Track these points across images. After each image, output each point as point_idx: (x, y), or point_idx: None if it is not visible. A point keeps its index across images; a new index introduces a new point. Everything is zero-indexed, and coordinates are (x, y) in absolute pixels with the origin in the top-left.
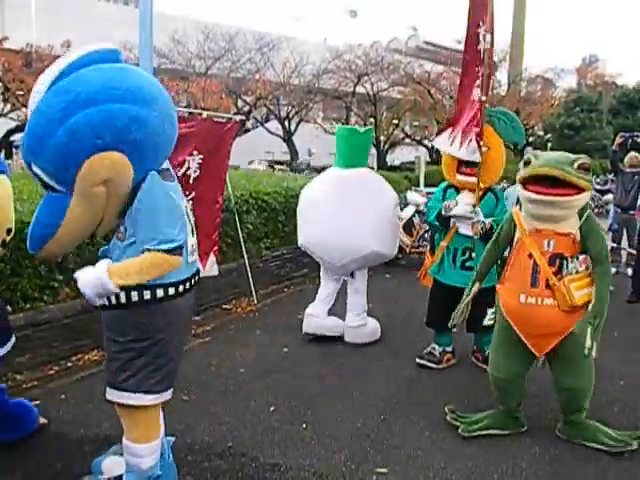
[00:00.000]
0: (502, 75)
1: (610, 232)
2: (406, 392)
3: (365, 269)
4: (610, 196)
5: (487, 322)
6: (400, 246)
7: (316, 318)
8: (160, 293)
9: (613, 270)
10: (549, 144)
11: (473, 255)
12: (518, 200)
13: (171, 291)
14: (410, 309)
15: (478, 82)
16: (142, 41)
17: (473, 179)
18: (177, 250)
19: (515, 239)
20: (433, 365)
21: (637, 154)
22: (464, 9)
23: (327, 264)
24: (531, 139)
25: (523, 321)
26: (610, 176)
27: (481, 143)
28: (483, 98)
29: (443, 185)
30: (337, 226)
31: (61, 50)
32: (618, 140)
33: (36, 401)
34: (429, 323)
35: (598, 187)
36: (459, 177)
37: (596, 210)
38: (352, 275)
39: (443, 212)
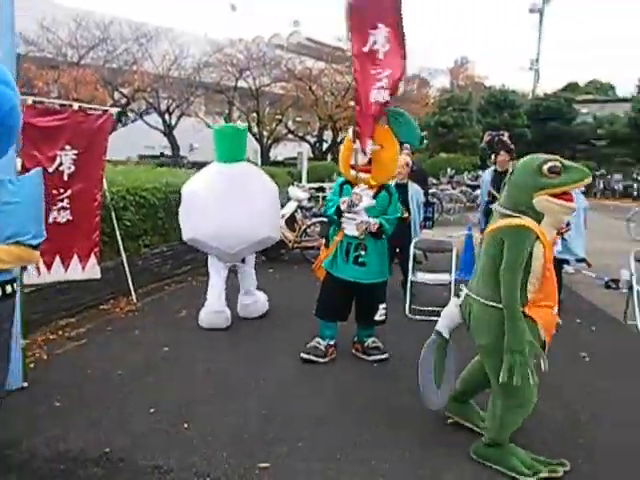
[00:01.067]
0: None
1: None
2: (287, 387)
3: (254, 253)
4: (479, 191)
5: (378, 317)
6: (283, 241)
7: (224, 313)
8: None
9: None
10: (425, 141)
11: (363, 252)
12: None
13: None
14: (292, 303)
15: (380, 84)
16: (1, 25)
17: (367, 175)
18: (39, 247)
19: (537, 255)
20: (319, 359)
21: (506, 158)
22: (342, 7)
23: (221, 254)
24: None
25: (551, 332)
26: (480, 172)
27: (370, 142)
28: (387, 98)
29: (340, 180)
30: (231, 216)
31: None
32: (486, 138)
33: None
34: (318, 314)
35: (469, 182)
36: (352, 173)
37: (468, 204)
38: (243, 261)
39: (343, 207)
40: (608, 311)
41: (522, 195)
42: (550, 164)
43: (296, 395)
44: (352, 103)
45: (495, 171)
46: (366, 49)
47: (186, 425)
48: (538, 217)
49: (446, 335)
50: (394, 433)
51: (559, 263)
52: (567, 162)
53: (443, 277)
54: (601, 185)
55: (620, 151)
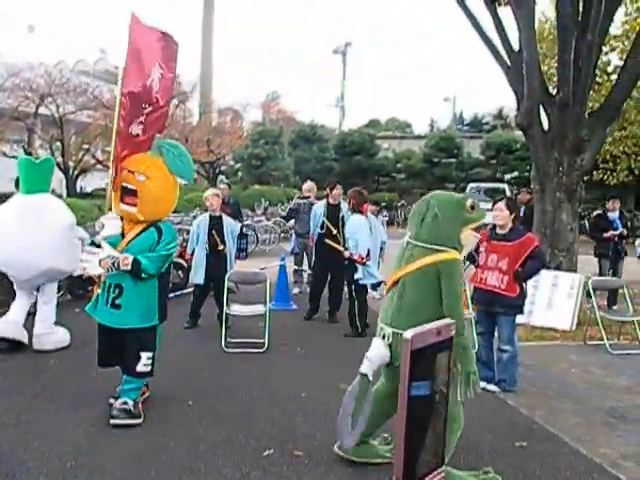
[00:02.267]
0: (194, 106)
1: (293, 255)
2: (95, 434)
3: (54, 283)
4: (292, 222)
5: (141, 368)
6: (90, 277)
7: (16, 324)
8: None
9: (296, 290)
10: (239, 173)
11: (118, 293)
12: None
13: None
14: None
15: (142, 119)
16: None
17: (133, 209)
18: None
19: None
20: (135, 421)
21: (312, 183)
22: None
23: (16, 280)
24: (223, 168)
25: None
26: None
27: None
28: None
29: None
30: (18, 246)
31: None
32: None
33: None
34: (100, 364)
35: (283, 214)
36: (122, 206)
37: (282, 234)
38: (38, 289)
39: (96, 239)
40: None
41: (451, 230)
42: (470, 201)
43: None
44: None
45: (329, 204)
46: (147, 83)
47: None
48: (460, 249)
49: (371, 378)
50: None
51: (363, 288)
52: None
53: (258, 308)
54: (402, 215)
55: (417, 183)
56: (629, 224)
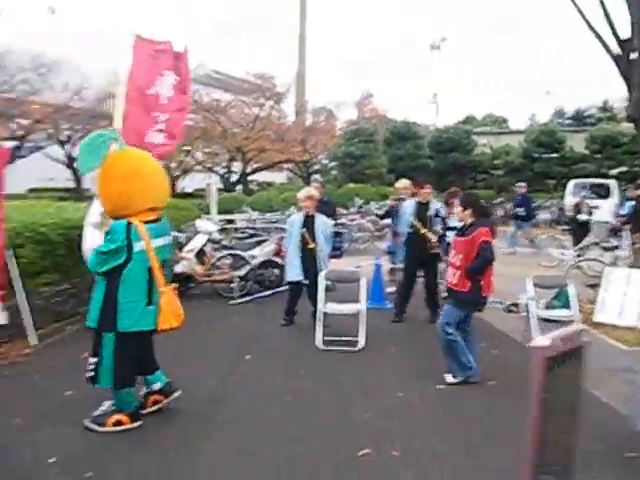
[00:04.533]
0: (289, 106)
1: (388, 254)
2: (197, 426)
3: None
4: (387, 220)
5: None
6: (191, 275)
7: None
8: None
9: (392, 289)
10: (333, 172)
11: None
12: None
13: None
14: (201, 338)
15: (158, 127)
16: None
17: None
18: None
19: None
20: (134, 425)
21: (406, 180)
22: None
23: None
24: (317, 167)
25: None
26: (388, 202)
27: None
28: (164, 141)
29: (122, 225)
30: None
31: None
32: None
33: None
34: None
35: (377, 212)
36: None
37: (376, 233)
38: None
39: None
40: (511, 335)
41: None
42: None
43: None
44: (260, 134)
45: (418, 202)
46: (149, 91)
47: (90, 473)
48: None
49: None
50: None
51: None
52: None
53: (353, 307)
54: (501, 212)
55: (515, 180)
56: None
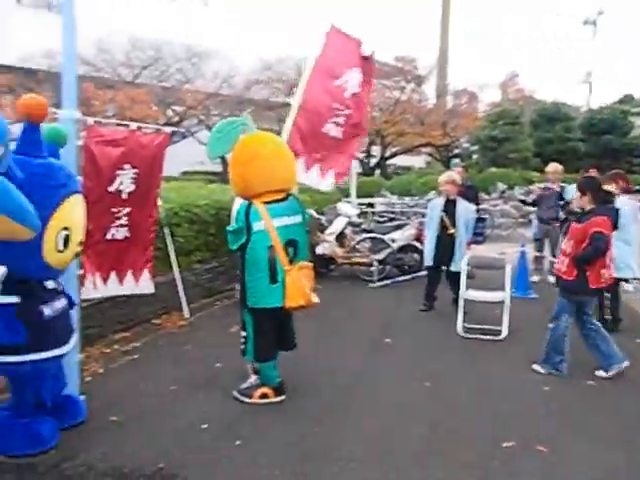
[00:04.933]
0: (430, 89)
1: (534, 241)
2: (340, 405)
3: None
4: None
5: None
6: (332, 257)
7: None
8: None
9: (536, 278)
10: (474, 156)
11: None
12: None
13: None
14: (341, 319)
15: (337, 120)
16: (65, 49)
17: None
18: None
19: None
20: (278, 398)
21: (557, 165)
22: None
23: None
24: (457, 151)
25: None
26: (532, 187)
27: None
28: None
29: (243, 206)
30: None
31: None
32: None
33: None
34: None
35: (521, 197)
36: None
37: (520, 219)
38: None
39: None
40: None
41: None
42: None
43: (351, 412)
44: (400, 118)
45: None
46: (337, 82)
47: (238, 442)
48: None
49: None
50: None
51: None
52: None
53: (496, 295)
54: None
55: None
56: None
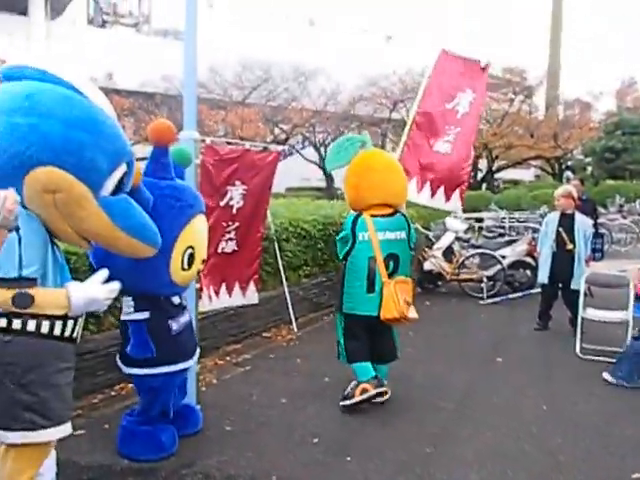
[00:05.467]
0: (540, 100)
1: None
2: (452, 424)
3: None
4: None
5: None
6: (440, 273)
7: None
8: None
9: None
10: (589, 168)
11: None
12: None
13: None
14: (450, 336)
15: (447, 138)
16: (186, 74)
17: None
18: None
19: None
20: (380, 390)
21: None
22: (504, 35)
23: None
24: (570, 163)
25: None
26: None
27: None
28: (449, 152)
29: (352, 216)
30: None
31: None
32: None
33: (80, 430)
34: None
35: None
36: None
37: None
38: None
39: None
40: None
41: None
42: None
43: (461, 436)
44: (508, 130)
45: None
46: (449, 106)
47: (348, 458)
48: None
49: None
50: None
51: None
52: None
53: (618, 314)
54: None
55: None
56: None
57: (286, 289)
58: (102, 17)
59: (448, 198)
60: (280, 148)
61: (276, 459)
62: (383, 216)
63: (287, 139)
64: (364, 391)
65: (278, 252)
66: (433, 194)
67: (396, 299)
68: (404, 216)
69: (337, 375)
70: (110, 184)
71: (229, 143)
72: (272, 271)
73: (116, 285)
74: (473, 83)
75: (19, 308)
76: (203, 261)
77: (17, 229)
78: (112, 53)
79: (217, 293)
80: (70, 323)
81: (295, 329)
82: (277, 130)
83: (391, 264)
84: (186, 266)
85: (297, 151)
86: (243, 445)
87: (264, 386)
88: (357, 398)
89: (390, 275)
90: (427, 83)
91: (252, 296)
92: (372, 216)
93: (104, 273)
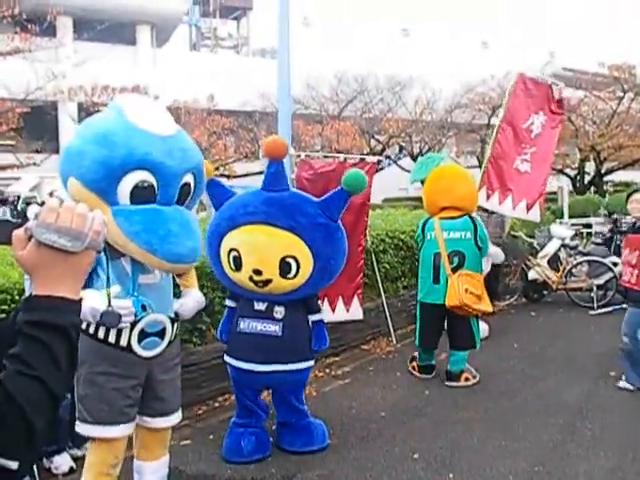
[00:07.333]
0: None
1: None
2: (560, 439)
3: None
4: None
5: None
6: (545, 282)
7: None
8: None
9: None
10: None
11: None
12: None
13: None
14: (557, 348)
15: (523, 157)
16: (280, 91)
17: None
18: None
19: None
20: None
21: None
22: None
23: None
24: None
25: None
26: None
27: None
28: (528, 170)
29: (424, 219)
30: None
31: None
32: None
33: (186, 440)
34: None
35: None
36: None
37: None
38: None
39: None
40: None
41: None
42: None
43: (573, 452)
44: (617, 130)
45: None
46: (524, 125)
47: (451, 475)
48: None
49: None
50: None
51: None
52: None
53: None
54: None
55: None
56: None
57: (384, 301)
58: (203, 41)
59: (529, 209)
60: (376, 159)
61: (377, 475)
62: (451, 218)
63: (383, 150)
64: (413, 368)
65: (375, 264)
66: (514, 206)
67: (457, 288)
68: (472, 218)
69: (438, 389)
70: (123, 190)
71: (325, 157)
72: (370, 283)
73: (116, 287)
74: (543, 105)
75: (111, 327)
76: (256, 271)
77: (105, 250)
78: (214, 75)
79: None
80: (125, 332)
81: (394, 341)
82: (373, 142)
83: (455, 259)
84: (233, 267)
85: (394, 161)
86: (343, 459)
87: (363, 399)
88: (461, 383)
89: (455, 269)
90: (507, 103)
91: (356, 311)
92: (441, 219)
93: (115, 289)
